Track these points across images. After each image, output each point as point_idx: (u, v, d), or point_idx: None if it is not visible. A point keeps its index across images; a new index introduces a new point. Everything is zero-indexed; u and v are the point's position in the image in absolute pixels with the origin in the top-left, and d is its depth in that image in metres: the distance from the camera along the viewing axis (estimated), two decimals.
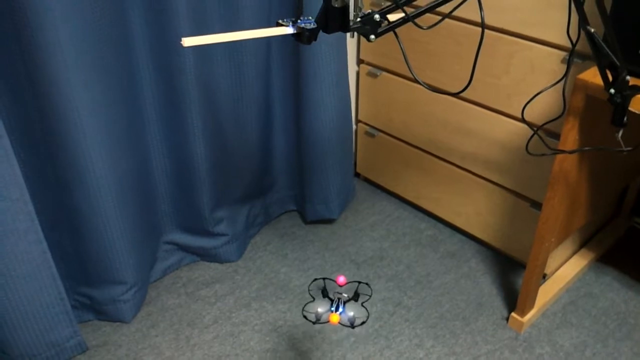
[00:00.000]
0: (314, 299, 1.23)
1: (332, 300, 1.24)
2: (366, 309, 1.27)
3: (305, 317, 1.23)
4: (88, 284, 1.55)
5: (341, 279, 1.21)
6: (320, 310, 1.23)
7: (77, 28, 1.22)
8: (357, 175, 2.23)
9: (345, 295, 1.23)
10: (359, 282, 1.29)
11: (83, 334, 1.56)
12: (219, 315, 1.62)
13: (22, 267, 1.29)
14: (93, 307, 1.59)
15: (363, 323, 1.22)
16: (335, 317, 1.18)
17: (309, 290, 1.31)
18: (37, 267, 1.31)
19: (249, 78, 1.59)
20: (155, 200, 1.65)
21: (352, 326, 1.24)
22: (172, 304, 1.66)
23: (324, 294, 1.25)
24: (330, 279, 1.28)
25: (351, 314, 1.24)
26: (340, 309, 1.21)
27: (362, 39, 1.90)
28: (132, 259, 1.54)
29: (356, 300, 1.26)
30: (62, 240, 1.47)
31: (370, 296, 1.29)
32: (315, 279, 1.30)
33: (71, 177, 1.35)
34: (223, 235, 1.75)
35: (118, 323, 1.60)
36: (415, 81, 1.79)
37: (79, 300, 1.58)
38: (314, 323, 1.22)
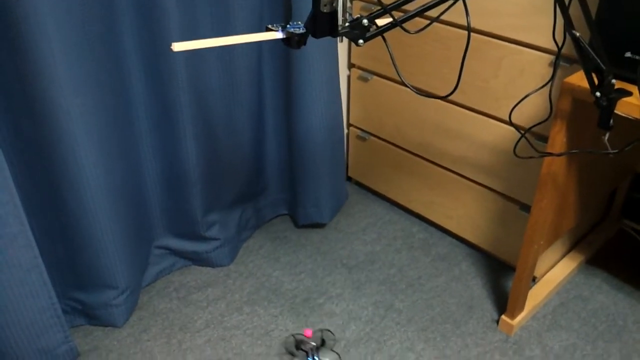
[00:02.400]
0: (293, 355, 1.41)
1: (306, 352, 1.42)
2: (336, 353, 1.45)
3: None
4: (80, 288, 1.55)
5: (308, 332, 1.40)
6: None
7: (68, 34, 1.22)
8: (348, 179, 2.24)
9: (314, 343, 1.41)
10: (322, 330, 1.47)
11: (74, 338, 1.56)
12: (211, 319, 1.62)
13: (12, 271, 1.29)
14: (84, 312, 1.59)
15: None
16: None
17: (285, 349, 1.46)
18: (27, 271, 1.31)
19: (241, 82, 1.60)
20: (147, 204, 1.65)
21: None
22: (163, 308, 1.66)
23: (298, 346, 1.43)
24: (299, 334, 1.45)
25: (327, 359, 1.43)
26: (316, 358, 1.40)
27: (353, 43, 1.91)
28: (123, 263, 1.54)
29: (324, 345, 1.45)
30: (53, 244, 1.47)
31: (335, 341, 1.46)
32: (287, 337, 1.46)
33: (62, 182, 1.35)
34: (215, 239, 1.75)
35: (110, 328, 1.60)
36: (408, 87, 1.80)
37: (70, 305, 1.57)
38: None
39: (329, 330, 1.54)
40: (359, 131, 2.05)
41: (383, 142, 1.98)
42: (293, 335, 1.53)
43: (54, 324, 1.42)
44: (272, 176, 1.91)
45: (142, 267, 1.69)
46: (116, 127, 1.44)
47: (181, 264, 1.80)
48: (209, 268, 1.80)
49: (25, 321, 1.36)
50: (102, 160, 1.40)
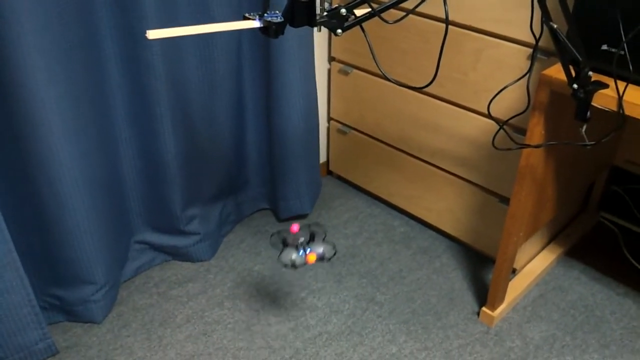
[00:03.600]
0: (281, 250, 1.32)
1: (296, 247, 1.34)
2: (330, 242, 1.38)
3: (285, 265, 1.32)
4: (57, 284, 1.53)
5: (294, 227, 1.32)
6: (293, 256, 1.33)
7: (42, 24, 1.20)
8: (329, 172, 2.24)
9: (302, 239, 1.34)
10: (309, 225, 1.39)
11: (53, 335, 1.54)
12: (192, 314, 1.61)
13: None
14: (63, 308, 1.57)
15: (335, 253, 1.31)
16: (312, 257, 1.30)
17: (271, 245, 1.38)
18: (3, 267, 1.29)
19: (220, 74, 1.59)
20: (125, 198, 1.63)
21: (328, 259, 1.33)
22: (143, 303, 1.65)
23: (285, 243, 1.35)
24: (284, 230, 1.38)
25: (321, 250, 1.35)
26: (308, 250, 1.31)
27: (333, 36, 1.91)
28: (102, 258, 1.53)
29: (314, 240, 1.37)
30: (30, 240, 1.44)
31: (325, 233, 1.39)
32: (272, 235, 1.39)
33: (38, 176, 1.33)
34: (195, 234, 1.74)
35: (89, 324, 1.58)
36: (386, 78, 1.80)
37: (48, 302, 1.55)
38: (295, 268, 1.31)
39: (317, 224, 1.46)
40: (339, 125, 2.05)
41: (364, 136, 1.98)
42: (278, 232, 1.45)
43: (32, 321, 1.40)
44: (252, 169, 1.90)
45: (121, 262, 1.67)
46: (93, 120, 1.42)
47: (161, 259, 1.79)
48: (189, 263, 1.79)
49: (1, 318, 1.34)
50: (79, 154, 1.38)
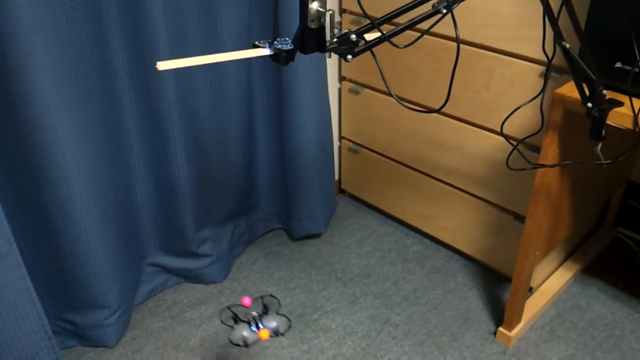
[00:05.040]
0: (232, 327, 1.30)
1: (248, 322, 1.31)
2: (284, 315, 1.35)
3: (237, 344, 1.29)
4: (71, 309, 1.53)
5: (246, 301, 1.31)
6: (245, 334, 1.31)
7: (57, 52, 1.21)
8: (342, 191, 2.23)
9: (255, 313, 1.32)
10: (262, 297, 1.38)
11: None
12: (205, 337, 1.60)
13: (1, 293, 1.26)
14: (76, 333, 1.56)
15: (290, 327, 1.29)
16: (265, 333, 1.27)
17: (222, 321, 1.37)
18: (16, 293, 1.29)
19: (231, 97, 1.59)
20: (138, 222, 1.63)
21: (282, 334, 1.30)
22: (156, 327, 1.64)
23: (237, 319, 1.33)
24: (236, 305, 1.36)
25: (274, 324, 1.32)
26: (261, 325, 1.28)
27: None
28: (115, 282, 1.52)
29: (267, 313, 1.35)
30: (43, 264, 1.45)
31: (279, 303, 1.36)
32: (223, 309, 1.37)
33: (52, 201, 1.34)
34: (207, 255, 1.74)
35: (102, 348, 1.58)
36: (396, 100, 1.79)
37: (61, 326, 1.55)
38: (247, 347, 1.28)
39: (271, 296, 1.45)
40: (351, 144, 2.04)
41: (375, 155, 1.97)
42: (228, 307, 1.44)
43: (45, 346, 1.39)
44: (264, 190, 1.90)
45: (134, 286, 1.67)
46: (106, 145, 1.43)
47: (173, 282, 1.78)
48: (201, 285, 1.78)
49: (15, 344, 1.33)
50: (92, 179, 1.38)
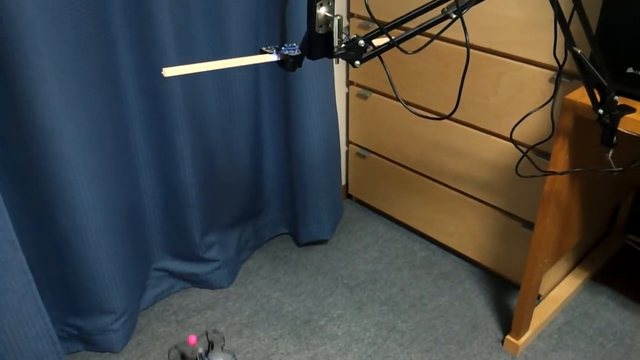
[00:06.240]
0: None
1: None
2: (229, 352, 1.38)
3: None
4: (76, 314, 1.52)
5: (192, 339, 1.34)
6: None
7: (63, 57, 1.21)
8: (349, 196, 2.22)
9: (201, 349, 1.34)
10: (207, 333, 1.40)
11: None
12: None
13: (6, 298, 1.26)
14: (82, 338, 1.56)
15: None
16: None
17: None
18: (21, 297, 1.28)
19: (238, 102, 1.59)
20: (144, 227, 1.63)
21: None
22: (162, 332, 1.63)
23: (184, 357, 1.35)
24: (182, 342, 1.38)
25: None
26: None
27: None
28: (121, 287, 1.52)
29: (213, 348, 1.37)
30: (49, 269, 1.44)
31: (223, 340, 1.40)
32: (170, 350, 1.39)
33: (57, 206, 1.33)
34: (214, 260, 1.73)
35: (107, 353, 1.57)
36: (404, 106, 1.78)
37: (67, 331, 1.54)
38: None
39: (215, 331, 1.46)
40: (358, 148, 2.03)
41: (383, 160, 1.96)
42: (175, 347, 1.45)
43: (50, 352, 1.39)
44: (271, 195, 1.89)
45: (140, 290, 1.66)
46: (112, 149, 1.42)
47: (180, 286, 1.77)
48: (208, 290, 1.77)
49: (20, 349, 1.33)
50: (98, 183, 1.38)
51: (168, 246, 1.71)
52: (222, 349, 1.41)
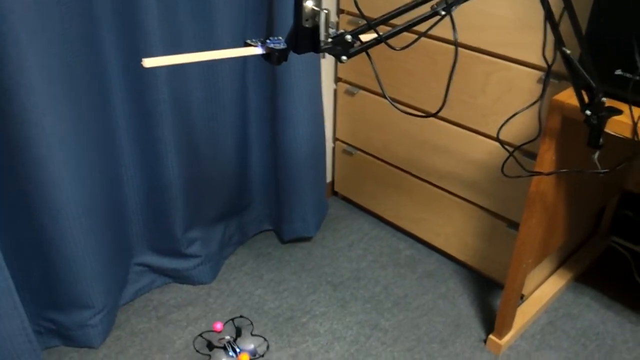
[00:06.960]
0: (209, 355, 1.28)
1: (224, 348, 1.28)
2: (260, 335, 1.32)
3: None
4: (54, 308, 1.49)
5: (218, 326, 1.27)
6: None
7: (45, 45, 1.18)
8: (335, 194, 2.20)
9: (228, 337, 1.29)
10: (233, 319, 1.35)
11: None
12: (191, 339, 1.57)
13: None
14: (59, 333, 1.53)
15: (268, 347, 1.26)
16: (245, 357, 1.23)
17: (196, 350, 1.35)
18: None
19: (224, 96, 1.56)
20: (125, 220, 1.60)
21: (262, 355, 1.28)
22: (142, 328, 1.61)
23: (211, 345, 1.30)
24: (208, 331, 1.33)
25: (251, 346, 1.29)
26: (238, 349, 1.25)
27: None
28: (100, 281, 1.49)
29: (241, 335, 1.31)
30: (26, 263, 1.41)
31: (252, 324, 1.34)
32: (195, 338, 1.35)
33: (36, 197, 1.30)
34: (196, 256, 1.71)
35: (85, 349, 1.54)
36: (394, 106, 1.77)
37: (44, 326, 1.51)
38: None
39: (241, 316, 1.41)
40: (345, 146, 2.02)
41: (370, 157, 1.95)
42: (200, 335, 1.40)
43: (26, 350, 1.35)
44: (255, 191, 1.87)
45: (120, 285, 1.64)
46: (95, 143, 1.39)
47: (161, 282, 1.75)
48: (189, 286, 1.75)
49: None
50: (79, 176, 1.35)
51: (150, 241, 1.68)
52: (251, 334, 1.36)
